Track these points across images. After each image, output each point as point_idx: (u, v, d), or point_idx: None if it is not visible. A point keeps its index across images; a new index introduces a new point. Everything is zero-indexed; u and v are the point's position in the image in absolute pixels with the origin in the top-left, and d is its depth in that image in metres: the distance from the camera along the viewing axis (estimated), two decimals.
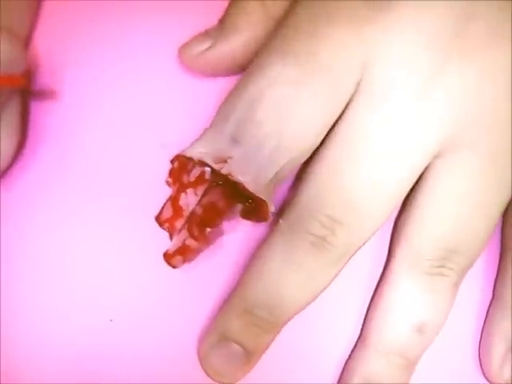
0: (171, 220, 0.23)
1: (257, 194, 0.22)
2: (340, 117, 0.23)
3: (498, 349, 0.25)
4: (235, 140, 0.22)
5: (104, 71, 0.27)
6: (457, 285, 0.24)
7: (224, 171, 0.22)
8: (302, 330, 0.25)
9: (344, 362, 0.25)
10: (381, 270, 0.25)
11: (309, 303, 0.24)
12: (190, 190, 0.23)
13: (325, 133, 0.23)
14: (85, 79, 0.26)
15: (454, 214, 0.23)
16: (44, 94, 0.25)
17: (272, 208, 0.23)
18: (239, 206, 0.24)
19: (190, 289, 0.25)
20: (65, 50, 0.27)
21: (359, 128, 0.23)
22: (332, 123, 0.23)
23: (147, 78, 0.26)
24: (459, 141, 0.23)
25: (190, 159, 0.22)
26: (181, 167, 0.23)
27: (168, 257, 0.23)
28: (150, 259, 0.25)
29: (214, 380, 0.24)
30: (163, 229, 0.23)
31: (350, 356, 0.25)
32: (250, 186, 0.22)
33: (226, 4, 0.26)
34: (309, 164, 0.24)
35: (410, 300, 0.24)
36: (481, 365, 0.25)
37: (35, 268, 0.25)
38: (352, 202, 0.23)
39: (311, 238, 0.23)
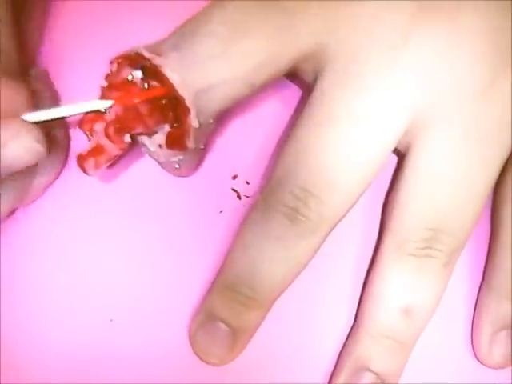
0: (91, 122, 0.22)
1: (182, 94, 0.21)
2: (312, 88, 0.23)
3: (486, 330, 0.25)
4: (176, 46, 0.22)
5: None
6: (447, 266, 0.23)
7: (155, 61, 0.21)
8: (296, 319, 0.25)
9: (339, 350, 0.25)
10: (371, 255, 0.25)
11: (290, 280, 0.23)
12: (114, 93, 0.22)
13: (264, 74, 0.23)
14: (87, 79, 0.26)
15: (437, 193, 0.23)
16: None
17: (195, 123, 0.22)
18: (166, 129, 0.23)
19: (190, 289, 0.25)
20: (67, 50, 0.27)
21: (332, 101, 0.23)
22: (276, 71, 0.23)
23: None
24: (434, 113, 0.23)
25: (127, 57, 0.22)
26: (118, 70, 0.22)
27: (80, 159, 0.22)
28: (150, 259, 0.25)
29: (203, 360, 0.24)
30: (85, 133, 0.22)
31: (344, 343, 0.25)
32: (178, 85, 0.21)
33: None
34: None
35: (398, 283, 0.23)
36: (472, 347, 0.25)
37: (36, 268, 0.25)
38: (323, 173, 0.22)
39: (284, 210, 0.22)
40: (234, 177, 0.26)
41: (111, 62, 0.22)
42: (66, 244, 0.25)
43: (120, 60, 0.22)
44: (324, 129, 0.22)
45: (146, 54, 0.21)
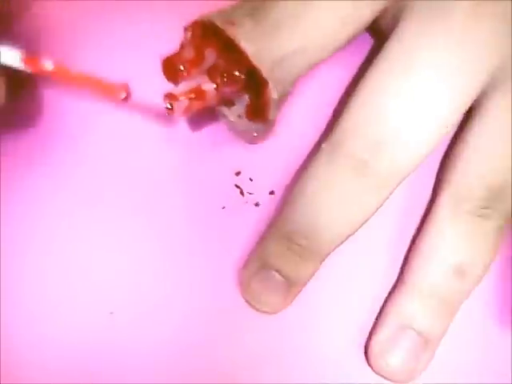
0: (191, 63, 0.21)
1: (258, 67, 0.21)
2: (390, 36, 0.23)
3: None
4: (251, 14, 0.21)
5: (108, 69, 0.27)
6: (501, 229, 0.23)
7: (229, 32, 0.21)
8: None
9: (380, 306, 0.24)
10: (421, 211, 0.25)
11: (348, 234, 0.22)
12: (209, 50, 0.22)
13: (341, 39, 0.22)
14: None
15: (502, 153, 0.22)
16: None
17: (275, 94, 0.21)
18: (245, 100, 0.23)
19: (191, 283, 0.25)
20: (68, 49, 0.27)
21: (411, 50, 0.22)
22: (352, 33, 0.23)
23: (151, 76, 0.27)
24: (508, 73, 0.22)
25: (200, 24, 0.22)
26: (191, 41, 0.22)
27: (172, 97, 0.21)
28: (151, 254, 0.25)
29: (255, 308, 0.23)
30: (176, 68, 0.21)
31: (387, 298, 0.24)
32: (253, 57, 0.21)
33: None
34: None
35: (453, 241, 0.22)
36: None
37: (35, 262, 0.25)
38: (395, 125, 0.21)
39: (353, 162, 0.21)
40: (238, 173, 0.26)
41: (185, 29, 0.22)
42: (66, 237, 0.25)
43: (194, 27, 0.22)
44: (400, 79, 0.22)
45: (220, 24, 0.21)
